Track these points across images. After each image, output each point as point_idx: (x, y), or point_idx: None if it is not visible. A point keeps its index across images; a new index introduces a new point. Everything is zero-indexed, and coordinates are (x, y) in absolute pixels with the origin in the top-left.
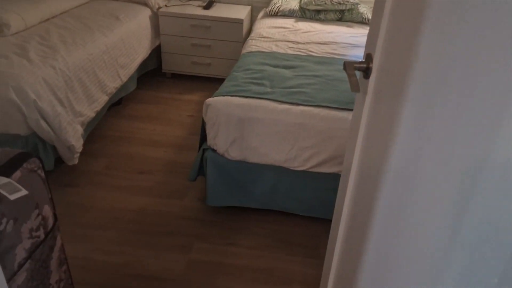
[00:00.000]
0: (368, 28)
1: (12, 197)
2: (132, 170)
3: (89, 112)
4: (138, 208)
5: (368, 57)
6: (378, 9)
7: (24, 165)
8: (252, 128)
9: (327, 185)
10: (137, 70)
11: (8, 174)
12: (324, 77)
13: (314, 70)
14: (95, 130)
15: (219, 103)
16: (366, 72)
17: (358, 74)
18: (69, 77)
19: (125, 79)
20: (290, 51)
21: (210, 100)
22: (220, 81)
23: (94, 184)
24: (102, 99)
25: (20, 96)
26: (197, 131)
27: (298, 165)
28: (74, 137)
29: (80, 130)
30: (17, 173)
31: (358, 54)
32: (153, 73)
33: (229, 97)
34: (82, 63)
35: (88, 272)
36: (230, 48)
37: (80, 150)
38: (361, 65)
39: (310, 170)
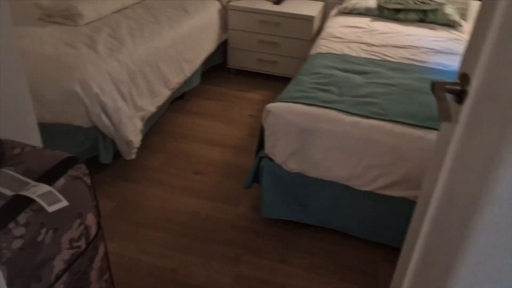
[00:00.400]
0: (454, 32)
1: (51, 208)
2: (188, 169)
3: (151, 107)
4: (190, 210)
5: (464, 78)
6: (483, 15)
7: (69, 172)
8: (314, 140)
9: (394, 209)
10: (202, 65)
11: (51, 181)
12: (400, 86)
13: (389, 78)
14: (156, 124)
15: (280, 110)
16: (460, 96)
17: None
18: (133, 71)
19: (189, 74)
20: (363, 54)
21: (271, 106)
22: (285, 80)
23: (150, 181)
24: (164, 94)
25: (84, 89)
26: (257, 133)
27: (362, 184)
28: (133, 133)
29: (139, 125)
30: (61, 181)
31: (441, 62)
32: (217, 68)
33: (292, 104)
34: (147, 57)
35: (133, 275)
36: (299, 47)
37: (138, 145)
38: (454, 87)
39: (376, 191)
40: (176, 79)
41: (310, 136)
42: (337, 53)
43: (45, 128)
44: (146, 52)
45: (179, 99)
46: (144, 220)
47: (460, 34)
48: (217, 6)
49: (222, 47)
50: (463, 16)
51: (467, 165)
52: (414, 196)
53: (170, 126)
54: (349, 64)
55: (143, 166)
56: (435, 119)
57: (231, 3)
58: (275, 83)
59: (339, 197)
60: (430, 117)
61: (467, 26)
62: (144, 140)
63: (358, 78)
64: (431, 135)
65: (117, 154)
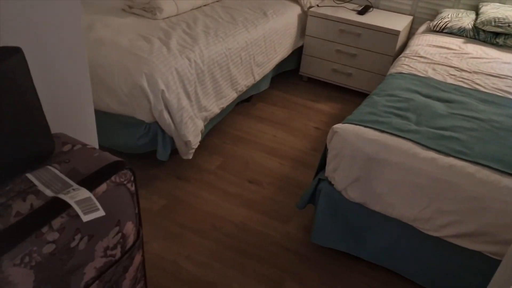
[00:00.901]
0: None
1: (86, 218)
2: (243, 176)
3: (215, 108)
4: (239, 221)
5: None
6: None
7: (113, 177)
8: (382, 171)
9: (464, 262)
10: (273, 70)
11: (93, 186)
12: (489, 122)
13: (477, 111)
14: (218, 125)
15: (347, 133)
16: None
17: None
18: (202, 71)
19: (258, 78)
20: (449, 80)
21: (338, 126)
22: (359, 94)
23: (203, 183)
24: (230, 96)
25: (150, 84)
26: (320, 148)
27: (430, 228)
28: (193, 133)
29: (200, 125)
30: (103, 186)
31: None
32: (289, 73)
33: (361, 128)
34: (218, 58)
35: (170, 280)
36: (378, 61)
37: (196, 146)
38: None
39: (445, 238)
40: (245, 82)
41: (377, 165)
42: (420, 75)
43: (111, 118)
44: (218, 52)
45: (245, 102)
46: (191, 223)
47: None
48: (297, 10)
49: (297, 53)
50: None
51: None
52: (491, 252)
53: (232, 128)
54: (432, 89)
55: (199, 167)
56: None
57: (312, 9)
58: (348, 96)
59: (401, 237)
60: None
61: None
62: (204, 140)
63: (440, 107)
64: None
65: (174, 151)
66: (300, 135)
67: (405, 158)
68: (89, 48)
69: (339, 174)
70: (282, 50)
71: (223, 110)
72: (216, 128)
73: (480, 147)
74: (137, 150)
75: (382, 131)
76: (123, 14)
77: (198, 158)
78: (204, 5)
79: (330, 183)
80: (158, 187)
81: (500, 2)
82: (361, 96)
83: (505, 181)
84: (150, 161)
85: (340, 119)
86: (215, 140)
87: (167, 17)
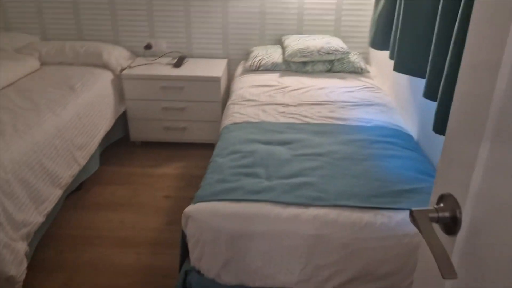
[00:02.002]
0: (363, 78)
1: None
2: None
3: (37, 217)
4: None
5: (448, 201)
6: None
7: None
8: (249, 246)
9: None
10: (99, 146)
11: None
12: (329, 155)
13: (315, 146)
14: (48, 232)
15: (202, 215)
16: (448, 225)
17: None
18: (6, 181)
19: (84, 162)
20: (281, 119)
21: (190, 209)
22: (198, 146)
23: None
24: (54, 196)
25: None
26: (176, 219)
27: (314, 287)
28: (13, 264)
29: (22, 249)
30: None
31: (361, 117)
32: (119, 143)
33: (216, 204)
34: (24, 158)
35: None
36: (208, 109)
37: (22, 278)
38: (441, 215)
39: None
40: (68, 172)
41: (244, 241)
42: (254, 120)
43: None
44: (22, 151)
45: (76, 191)
46: None
47: (369, 80)
48: (109, 76)
49: (122, 119)
50: (367, 60)
51: None
52: None
53: (67, 229)
54: (269, 134)
55: None
56: (377, 194)
57: (125, 72)
58: (187, 151)
59: None
60: (371, 193)
61: (373, 70)
62: (34, 258)
63: (283, 151)
64: (382, 218)
65: None
66: (151, 211)
67: (269, 224)
68: None
69: (206, 261)
70: (103, 122)
71: (49, 213)
72: (47, 235)
73: (332, 187)
74: None
75: (238, 201)
76: None
77: (34, 283)
78: None
79: (199, 272)
80: None
81: (297, 33)
82: (201, 147)
83: (367, 217)
84: None
85: (187, 178)
86: (50, 252)
87: None
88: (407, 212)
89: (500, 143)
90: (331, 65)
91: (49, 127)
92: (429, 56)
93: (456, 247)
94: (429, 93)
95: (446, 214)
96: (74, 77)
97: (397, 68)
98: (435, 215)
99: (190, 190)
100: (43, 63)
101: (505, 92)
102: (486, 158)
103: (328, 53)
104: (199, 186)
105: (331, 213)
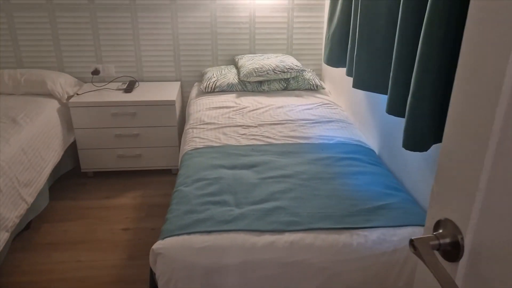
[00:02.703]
0: (319, 95)
1: None
2: None
3: None
4: None
5: (447, 226)
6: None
7: None
8: (225, 279)
9: None
10: (48, 180)
11: None
12: (297, 176)
13: (281, 167)
14: None
15: (173, 251)
16: (448, 252)
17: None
18: None
19: (32, 200)
20: (243, 141)
21: (158, 246)
22: (155, 173)
23: None
24: (0, 240)
25: None
26: (139, 252)
27: None
28: None
29: None
30: None
31: (322, 134)
32: (70, 175)
33: (186, 237)
34: None
35: None
36: (164, 134)
37: None
38: (442, 241)
39: None
40: (14, 213)
41: (220, 275)
42: (216, 144)
43: None
44: None
45: (25, 230)
46: None
47: (325, 97)
48: (55, 105)
49: (71, 149)
50: (320, 77)
51: None
52: None
53: (16, 276)
54: (233, 158)
55: None
56: (350, 213)
57: (73, 99)
58: (144, 179)
59: None
60: (344, 213)
61: (328, 86)
62: None
63: (250, 175)
64: (358, 238)
65: None
66: (110, 247)
67: (245, 255)
68: None
69: None
70: (51, 155)
71: None
72: None
73: (304, 209)
74: None
75: (209, 232)
76: None
77: None
78: None
79: None
80: None
81: (250, 53)
82: (159, 173)
83: (343, 238)
84: None
85: (146, 207)
86: None
87: None
88: (382, 230)
89: (504, 162)
90: (286, 83)
91: None
92: (389, 72)
93: (459, 273)
94: (393, 109)
95: (447, 240)
96: (16, 108)
97: (356, 85)
98: (436, 242)
99: (151, 220)
100: None
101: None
102: (488, 179)
103: (283, 72)
104: (165, 218)
105: (307, 237)
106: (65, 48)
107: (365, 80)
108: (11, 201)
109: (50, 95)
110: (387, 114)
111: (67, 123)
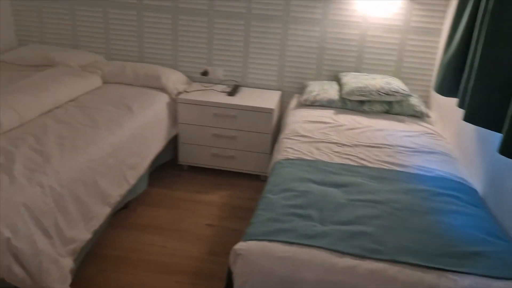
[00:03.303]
0: (423, 123)
1: None
2: None
3: (84, 234)
4: None
5: None
6: None
7: None
8: None
9: None
10: (148, 167)
11: None
12: (388, 203)
13: (373, 192)
14: (93, 249)
15: (253, 254)
16: None
17: None
18: (61, 196)
19: (133, 182)
20: (336, 159)
21: (240, 247)
22: (244, 177)
23: None
24: (102, 213)
25: None
26: (219, 250)
27: None
28: (59, 280)
29: (68, 265)
30: None
31: (421, 165)
32: (167, 165)
33: (267, 244)
34: (79, 174)
35: None
36: (258, 140)
37: None
38: None
39: None
40: (118, 191)
41: (294, 286)
42: (308, 158)
43: None
44: (78, 167)
45: (123, 209)
46: None
47: (430, 126)
48: (165, 99)
49: (172, 142)
50: (427, 105)
51: None
52: None
53: (111, 249)
54: (324, 174)
55: None
56: (441, 253)
57: (181, 96)
58: (234, 180)
59: None
60: (434, 251)
61: (434, 115)
62: (77, 275)
63: (338, 194)
64: (447, 281)
65: None
66: (193, 239)
67: (323, 273)
68: None
69: None
70: (156, 144)
71: (96, 231)
72: (91, 254)
73: (391, 239)
74: None
75: (291, 244)
76: None
77: None
78: (55, 108)
79: None
80: None
81: (355, 71)
82: (247, 177)
83: (428, 278)
84: None
85: (231, 208)
86: (92, 269)
87: (9, 130)
88: (475, 278)
89: None
90: (389, 106)
91: (105, 145)
92: (507, 108)
93: None
94: (507, 150)
95: None
96: (133, 98)
97: (467, 119)
98: None
99: (233, 220)
100: (104, 82)
101: None
102: None
103: (388, 94)
104: (249, 221)
105: (390, 269)
106: (182, 48)
107: (478, 114)
108: (117, 181)
109: (163, 89)
110: (498, 154)
111: (173, 117)
